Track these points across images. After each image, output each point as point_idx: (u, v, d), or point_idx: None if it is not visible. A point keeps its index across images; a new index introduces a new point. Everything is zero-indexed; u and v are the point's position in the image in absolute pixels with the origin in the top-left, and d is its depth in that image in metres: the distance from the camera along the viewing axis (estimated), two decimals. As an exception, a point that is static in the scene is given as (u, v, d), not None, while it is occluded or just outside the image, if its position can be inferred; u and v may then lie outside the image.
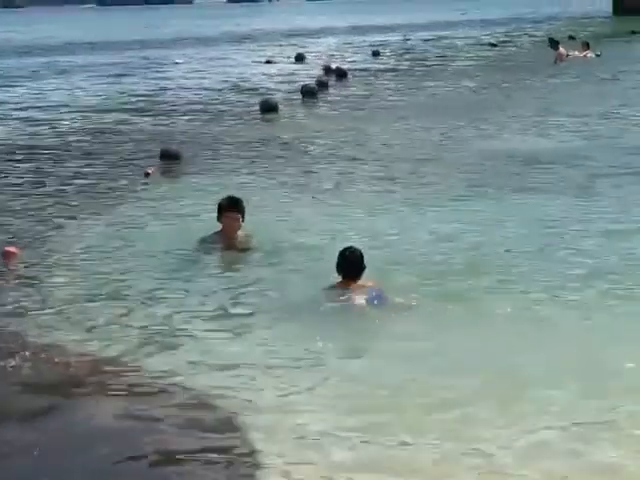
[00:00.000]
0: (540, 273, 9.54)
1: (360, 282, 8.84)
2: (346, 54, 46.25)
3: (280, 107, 23.72)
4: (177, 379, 7.28)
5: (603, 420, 6.37)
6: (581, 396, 6.74)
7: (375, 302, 8.60)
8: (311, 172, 15.49)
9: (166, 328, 8.43)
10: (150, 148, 18.22)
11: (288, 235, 11.16)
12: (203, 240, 10.83)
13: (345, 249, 8.91)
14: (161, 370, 7.46)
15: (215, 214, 10.85)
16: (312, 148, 17.99)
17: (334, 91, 28.71)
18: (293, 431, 6.36)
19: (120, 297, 9.32)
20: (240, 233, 10.82)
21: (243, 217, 10.74)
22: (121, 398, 7.01)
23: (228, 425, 6.52)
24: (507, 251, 10.36)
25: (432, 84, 30.13)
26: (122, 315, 8.78)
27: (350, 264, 8.83)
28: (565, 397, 6.72)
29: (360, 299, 8.64)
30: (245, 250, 10.70)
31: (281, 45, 54.66)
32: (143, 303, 9.13)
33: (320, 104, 25.62)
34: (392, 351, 7.66)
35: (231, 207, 10.74)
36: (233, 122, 22.45)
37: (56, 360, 7.67)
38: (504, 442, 6.12)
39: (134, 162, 17.04)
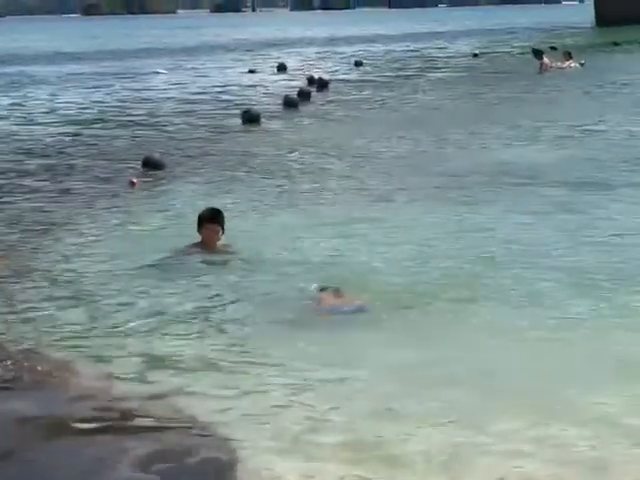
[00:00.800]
0: (517, 284, 9.43)
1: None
2: (329, 64, 46.28)
3: (262, 118, 23.60)
4: (148, 393, 7.11)
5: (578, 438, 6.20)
6: (556, 410, 6.58)
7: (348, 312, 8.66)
8: (292, 183, 15.38)
9: (140, 338, 8.28)
10: (132, 158, 18.09)
11: (267, 246, 11.04)
12: (182, 251, 10.73)
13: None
14: (135, 384, 7.30)
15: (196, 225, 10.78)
16: (293, 159, 17.90)
17: (316, 102, 28.65)
18: (260, 447, 6.20)
19: (95, 307, 9.15)
20: (219, 244, 10.75)
21: (223, 229, 10.70)
22: (92, 412, 6.81)
23: (204, 443, 6.31)
24: (485, 261, 10.23)
25: (415, 95, 30.15)
26: (96, 326, 8.63)
27: None
28: (540, 412, 6.55)
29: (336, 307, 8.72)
30: (223, 261, 10.57)
31: (264, 55, 54.73)
32: (118, 313, 8.95)
33: (302, 115, 25.55)
34: (368, 362, 7.55)
35: (211, 219, 10.70)
36: (215, 132, 22.35)
37: (38, 368, 7.56)
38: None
39: (115, 171, 16.90)
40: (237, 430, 6.43)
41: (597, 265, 9.96)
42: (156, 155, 17.34)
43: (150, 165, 16.75)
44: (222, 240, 10.74)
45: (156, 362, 7.74)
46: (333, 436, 6.32)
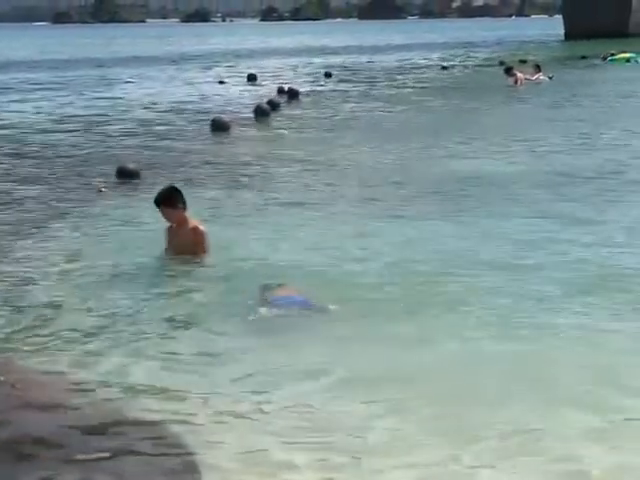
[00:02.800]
0: (493, 289, 9.49)
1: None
2: (298, 75, 46.34)
3: (232, 127, 23.58)
4: (112, 395, 7.12)
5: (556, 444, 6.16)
6: (532, 417, 6.53)
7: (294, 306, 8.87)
8: (259, 191, 15.40)
9: (90, 341, 8.34)
10: (102, 167, 18.06)
11: (231, 250, 11.12)
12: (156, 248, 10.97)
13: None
14: (98, 383, 7.35)
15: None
16: (261, 168, 17.86)
17: (286, 112, 28.69)
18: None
19: (52, 312, 9.18)
20: (191, 226, 10.78)
21: (173, 207, 10.73)
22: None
23: (166, 447, 6.30)
24: (460, 268, 10.28)
25: (383, 107, 30.15)
26: (53, 330, 8.66)
27: None
28: (516, 419, 6.52)
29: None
30: (191, 251, 10.72)
31: (234, 65, 54.71)
32: (78, 313, 9.08)
33: (272, 124, 25.55)
34: (331, 363, 7.57)
35: (158, 205, 10.88)
36: (184, 142, 22.28)
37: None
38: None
39: (85, 181, 16.79)
40: (199, 436, 6.42)
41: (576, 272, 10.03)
42: (130, 165, 17.21)
43: (124, 175, 16.64)
44: (190, 217, 10.84)
45: (107, 362, 7.79)
46: (296, 445, 6.28)
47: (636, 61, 49.09)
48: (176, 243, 10.83)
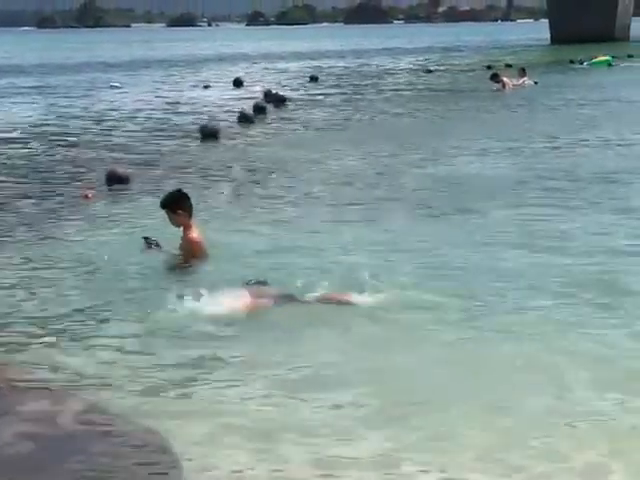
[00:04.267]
0: (478, 293, 9.48)
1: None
2: (284, 79, 46.37)
3: (220, 133, 23.55)
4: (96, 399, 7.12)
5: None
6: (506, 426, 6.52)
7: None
8: (248, 196, 15.51)
9: (95, 342, 8.40)
10: (87, 173, 18.09)
11: (220, 250, 11.20)
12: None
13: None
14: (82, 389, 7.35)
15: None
16: (250, 172, 17.94)
17: (273, 117, 28.71)
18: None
19: (39, 318, 9.17)
20: (186, 234, 10.84)
21: (173, 211, 10.88)
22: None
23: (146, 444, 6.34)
24: (447, 269, 10.37)
25: (370, 110, 30.21)
26: (50, 331, 8.74)
27: None
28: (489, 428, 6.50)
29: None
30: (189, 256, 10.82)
31: (219, 70, 54.68)
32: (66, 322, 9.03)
33: (257, 130, 25.51)
34: (320, 370, 7.60)
35: (161, 207, 11.06)
36: (171, 148, 22.20)
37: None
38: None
39: (70, 187, 16.74)
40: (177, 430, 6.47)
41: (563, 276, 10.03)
42: (120, 169, 17.08)
43: (114, 179, 16.54)
44: (193, 224, 10.93)
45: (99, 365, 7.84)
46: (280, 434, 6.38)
47: (613, 63, 49.46)
48: (179, 247, 10.92)
